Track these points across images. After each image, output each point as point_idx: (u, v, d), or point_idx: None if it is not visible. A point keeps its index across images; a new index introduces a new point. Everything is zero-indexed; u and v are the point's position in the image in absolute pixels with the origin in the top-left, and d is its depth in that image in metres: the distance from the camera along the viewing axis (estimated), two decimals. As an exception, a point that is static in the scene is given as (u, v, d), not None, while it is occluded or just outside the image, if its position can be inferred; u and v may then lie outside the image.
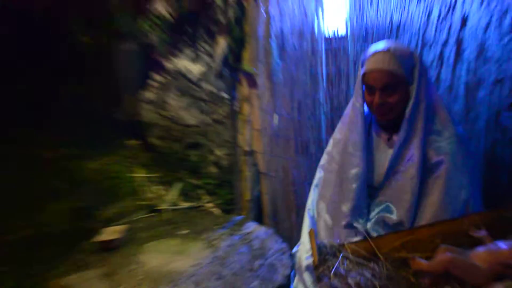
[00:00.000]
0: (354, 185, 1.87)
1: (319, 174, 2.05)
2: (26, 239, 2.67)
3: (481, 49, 2.16)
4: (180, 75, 3.02)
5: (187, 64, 2.99)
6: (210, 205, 2.92)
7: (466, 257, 1.35)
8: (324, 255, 1.53)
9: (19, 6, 3.20)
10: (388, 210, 1.82)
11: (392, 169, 1.81)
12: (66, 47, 3.40)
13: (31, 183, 3.12)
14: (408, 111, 1.75)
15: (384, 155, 1.88)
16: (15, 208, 2.89)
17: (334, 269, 1.45)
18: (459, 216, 1.68)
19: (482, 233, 1.48)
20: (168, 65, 3.04)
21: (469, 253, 1.36)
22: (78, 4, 3.34)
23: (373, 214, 1.86)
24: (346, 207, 1.87)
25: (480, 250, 1.36)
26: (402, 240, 1.56)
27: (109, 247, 2.16)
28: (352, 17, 2.55)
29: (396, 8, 2.47)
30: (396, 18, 2.48)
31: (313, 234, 1.61)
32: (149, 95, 3.14)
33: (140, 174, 3.16)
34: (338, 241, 1.69)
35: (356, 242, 1.62)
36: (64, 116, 3.69)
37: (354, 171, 1.87)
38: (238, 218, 2.60)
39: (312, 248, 1.56)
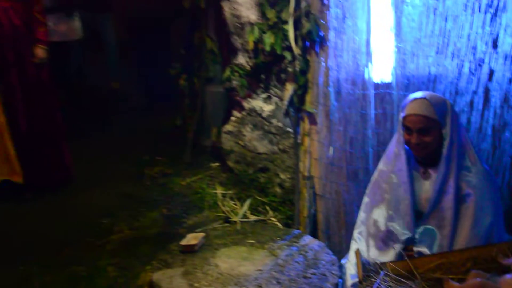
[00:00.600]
0: (397, 210, 1.84)
1: (366, 199, 2.02)
2: (128, 239, 2.73)
3: (506, 97, 2.29)
4: (255, 112, 3.02)
5: (260, 104, 3.00)
6: (273, 219, 2.88)
7: (495, 283, 1.23)
8: (367, 272, 1.49)
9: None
10: (432, 234, 1.78)
11: (436, 200, 1.78)
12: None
13: (136, 194, 3.21)
14: (445, 150, 1.76)
15: (420, 186, 1.86)
16: (122, 213, 2.96)
17: (376, 285, 1.39)
18: (487, 242, 1.62)
19: (510, 260, 1.36)
20: (245, 104, 3.05)
21: (498, 279, 1.25)
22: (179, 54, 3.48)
23: (419, 237, 1.81)
24: (388, 229, 1.85)
25: (509, 277, 1.24)
26: (437, 262, 1.50)
27: (190, 250, 2.15)
28: (396, 69, 2.50)
29: (434, 63, 2.42)
30: (433, 71, 2.43)
31: (358, 253, 1.58)
32: (229, 127, 3.16)
33: (219, 191, 3.16)
34: (380, 260, 1.63)
35: (396, 261, 1.56)
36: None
37: (397, 197, 1.85)
38: (296, 232, 2.54)
39: (357, 265, 1.51)
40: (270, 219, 2.88)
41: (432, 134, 1.76)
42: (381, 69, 2.59)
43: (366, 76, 2.56)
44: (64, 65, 3.71)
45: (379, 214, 1.91)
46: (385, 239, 1.86)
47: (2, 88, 2.95)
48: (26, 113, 3.05)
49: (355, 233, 2.01)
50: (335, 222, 2.73)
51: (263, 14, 2.82)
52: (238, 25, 2.96)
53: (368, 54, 2.53)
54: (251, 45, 2.85)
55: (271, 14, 2.77)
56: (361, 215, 2.01)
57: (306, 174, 2.81)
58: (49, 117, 3.18)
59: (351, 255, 1.95)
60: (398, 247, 1.80)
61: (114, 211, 2.98)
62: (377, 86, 2.60)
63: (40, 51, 3.05)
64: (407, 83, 2.50)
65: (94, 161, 3.72)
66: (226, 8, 2.98)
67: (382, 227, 1.88)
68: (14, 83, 2.99)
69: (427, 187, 1.83)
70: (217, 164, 3.42)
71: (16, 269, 2.43)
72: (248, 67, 2.97)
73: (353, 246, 1.99)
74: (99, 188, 3.30)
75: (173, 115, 3.76)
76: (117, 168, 3.61)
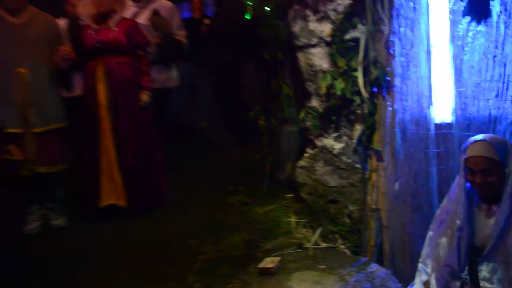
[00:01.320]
0: (458, 246, 1.85)
1: (430, 233, 2.05)
2: (213, 259, 2.92)
3: None
4: (326, 150, 3.18)
5: (331, 142, 3.16)
6: (343, 247, 2.99)
7: None
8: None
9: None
10: (495, 270, 1.78)
11: (499, 236, 1.76)
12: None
13: (220, 219, 3.49)
14: (508, 187, 1.76)
15: (483, 223, 1.86)
16: (207, 236, 3.23)
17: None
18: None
19: None
20: (318, 142, 3.23)
21: None
22: (258, 98, 3.77)
23: (482, 273, 1.81)
24: (450, 264, 1.87)
25: None
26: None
27: (267, 272, 2.27)
28: (457, 110, 2.59)
29: (494, 105, 2.50)
30: (493, 112, 2.50)
31: (428, 285, 1.64)
32: (303, 163, 3.32)
33: (293, 219, 3.31)
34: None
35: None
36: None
37: (458, 234, 1.86)
38: (364, 259, 2.62)
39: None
40: (339, 247, 2.97)
41: (495, 174, 1.77)
42: (443, 111, 2.71)
43: (429, 117, 2.70)
44: (163, 108, 4.13)
45: (442, 249, 1.92)
46: (447, 274, 1.86)
47: (114, 127, 3.41)
48: (132, 148, 3.45)
49: (420, 265, 2.03)
50: (400, 252, 2.80)
51: (334, 63, 3.03)
52: (312, 72, 3.16)
53: (431, 97, 2.68)
54: (323, 90, 3.06)
55: (341, 63, 2.99)
56: (426, 248, 2.03)
57: (373, 206, 2.95)
58: (150, 151, 3.57)
59: (417, 286, 1.97)
60: (457, 283, 1.82)
61: (201, 234, 3.21)
62: (439, 126, 2.69)
63: (145, 96, 3.49)
64: (468, 123, 2.57)
65: (185, 189, 4.04)
66: (301, 58, 3.21)
67: (444, 262, 1.89)
68: (124, 123, 3.42)
69: (490, 224, 1.81)
70: (291, 195, 3.58)
71: (116, 281, 2.68)
72: (320, 109, 3.16)
73: (418, 278, 2.01)
74: (189, 213, 3.59)
75: (253, 151, 4.02)
76: (204, 196, 3.89)
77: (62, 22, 3.96)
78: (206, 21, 5.36)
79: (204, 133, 5.61)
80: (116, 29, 3.40)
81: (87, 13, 3.47)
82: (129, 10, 3.95)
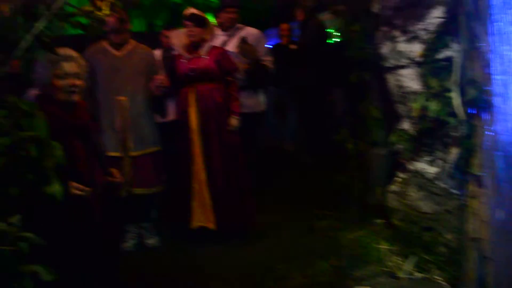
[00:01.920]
0: None
1: None
2: (301, 285, 2.91)
3: None
4: (419, 174, 3.04)
5: (424, 166, 3.01)
6: (439, 278, 2.83)
7: None
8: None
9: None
10: None
11: None
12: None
13: (308, 244, 3.44)
14: None
15: None
16: (295, 261, 3.20)
17: None
18: None
19: None
20: (410, 166, 3.10)
21: None
22: (346, 121, 3.73)
23: None
24: None
25: None
26: None
27: None
28: None
29: None
30: None
31: None
32: (394, 187, 3.21)
33: (383, 246, 3.18)
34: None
35: None
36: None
37: None
38: None
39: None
40: (435, 278, 2.83)
41: None
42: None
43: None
44: (251, 132, 4.21)
45: None
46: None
47: (204, 151, 3.52)
48: (221, 171, 3.54)
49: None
50: (507, 286, 2.60)
51: (426, 84, 2.91)
52: (402, 94, 3.06)
53: (536, 118, 2.49)
54: (416, 112, 2.94)
55: (434, 83, 2.86)
56: None
57: (473, 236, 2.75)
58: (239, 174, 3.63)
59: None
60: None
61: (287, 259, 3.19)
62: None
63: (234, 121, 3.60)
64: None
65: (272, 212, 4.07)
66: (391, 80, 3.12)
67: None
68: (214, 147, 3.53)
69: None
70: (381, 220, 3.46)
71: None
72: (412, 132, 3.04)
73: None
74: (276, 236, 3.59)
75: (341, 175, 3.98)
76: (290, 219, 3.91)
77: (157, 53, 4.23)
78: (293, 46, 5.44)
79: (291, 156, 5.63)
80: (207, 57, 3.53)
81: (179, 43, 3.66)
82: (219, 39, 4.11)
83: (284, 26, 6.03)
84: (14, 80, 4.11)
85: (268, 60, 4.30)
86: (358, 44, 3.40)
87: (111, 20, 3.41)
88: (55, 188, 1.58)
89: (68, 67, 2.28)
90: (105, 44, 3.52)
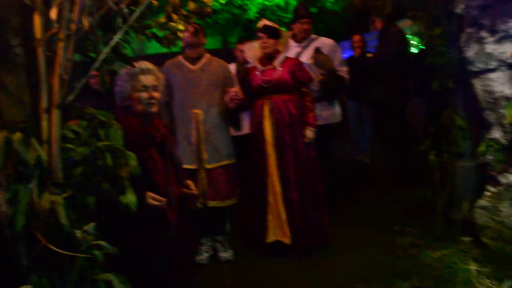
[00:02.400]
0: None
1: None
2: None
3: None
4: None
5: None
6: None
7: None
8: None
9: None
10: None
11: None
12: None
13: (387, 262, 3.24)
14: None
15: None
16: (373, 280, 3.00)
17: None
18: None
19: None
20: (501, 179, 2.87)
21: None
22: (428, 131, 3.49)
23: None
24: None
25: None
26: None
27: None
28: None
29: None
30: None
31: None
32: (483, 202, 2.98)
33: (473, 267, 2.92)
34: None
35: None
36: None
37: None
38: None
39: None
40: None
41: None
42: None
43: None
44: (326, 144, 4.09)
45: None
46: None
47: (279, 163, 3.44)
48: (296, 184, 3.43)
49: None
50: None
51: None
52: (491, 100, 2.87)
53: None
54: (509, 119, 2.72)
55: None
56: None
57: None
58: (314, 188, 3.51)
59: None
60: None
61: (367, 277, 3.01)
62: None
63: (310, 133, 3.47)
64: None
65: (348, 228, 3.91)
66: (478, 85, 2.93)
67: None
68: (289, 160, 3.43)
69: None
70: (469, 238, 3.21)
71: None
72: (503, 141, 2.82)
73: None
74: (352, 253, 3.41)
75: (422, 189, 3.74)
76: (368, 236, 3.70)
77: (232, 67, 4.26)
78: (369, 54, 5.28)
79: (367, 168, 5.41)
80: (281, 69, 3.48)
81: (253, 55, 3.65)
82: (292, 50, 4.07)
83: (357, 37, 5.88)
84: (93, 92, 4.32)
85: (343, 71, 4.20)
86: (440, 49, 3.17)
87: (186, 34, 3.48)
88: (130, 198, 1.58)
89: (146, 80, 2.32)
90: (181, 59, 3.59)
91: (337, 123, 4.35)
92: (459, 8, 2.87)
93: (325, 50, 4.09)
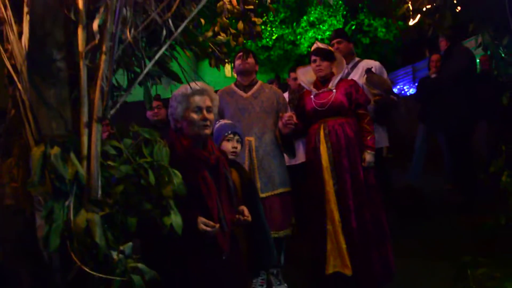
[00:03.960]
0: None
1: None
2: None
3: None
4: None
5: None
6: None
7: None
8: None
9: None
10: None
11: None
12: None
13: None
14: None
15: None
16: None
17: None
18: None
19: None
20: None
21: None
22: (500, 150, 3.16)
23: None
24: None
25: None
26: None
27: None
28: None
29: None
30: None
31: None
32: None
33: None
34: None
35: None
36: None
37: None
38: None
39: None
40: None
41: None
42: None
43: None
44: (380, 168, 3.81)
45: None
46: None
47: (337, 189, 3.18)
48: (356, 212, 3.15)
49: None
50: None
51: None
52: None
53: None
54: None
55: None
56: None
57: None
58: (376, 216, 3.22)
59: None
60: None
61: None
62: None
63: (368, 156, 3.22)
64: None
65: (414, 258, 3.58)
66: None
67: None
68: (348, 186, 3.17)
69: None
70: None
71: None
72: None
73: None
74: (421, 286, 3.11)
75: (495, 214, 3.35)
76: (435, 268, 3.36)
77: (285, 95, 4.14)
78: (434, 75, 5.01)
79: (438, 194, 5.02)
80: (335, 91, 3.30)
81: (307, 79, 3.51)
82: None
83: (435, 56, 5.57)
84: (152, 126, 4.31)
85: (393, 92, 3.99)
86: (509, 60, 2.87)
87: (238, 62, 3.42)
88: (175, 219, 1.42)
89: (201, 100, 2.22)
90: (233, 86, 3.54)
91: (388, 148, 4.08)
92: None
93: (373, 70, 3.90)
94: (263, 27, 14.16)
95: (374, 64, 4.03)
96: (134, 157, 1.45)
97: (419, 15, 3.66)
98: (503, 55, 2.93)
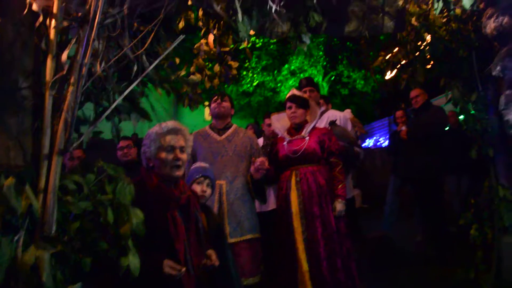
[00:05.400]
0: None
1: None
2: None
3: None
4: None
5: None
6: None
7: None
8: None
9: None
10: None
11: None
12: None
13: None
14: None
15: None
16: None
17: None
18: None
19: None
20: None
21: None
22: (468, 204, 3.19)
23: None
24: None
25: None
26: None
27: None
28: None
29: None
30: None
31: None
32: None
33: None
34: None
35: None
36: None
37: None
38: None
39: None
40: None
41: None
42: None
43: None
44: (354, 218, 3.80)
45: None
46: None
47: (306, 238, 3.14)
48: (328, 260, 3.12)
49: None
50: None
51: None
52: None
53: None
54: None
55: None
56: None
57: None
58: (345, 265, 3.18)
59: None
60: None
61: None
62: None
63: (339, 205, 3.22)
64: None
65: None
66: None
67: None
68: (318, 234, 3.15)
69: None
70: None
71: None
72: None
73: None
74: None
75: (463, 267, 3.34)
76: None
77: (260, 141, 4.14)
78: (404, 128, 5.13)
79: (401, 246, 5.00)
80: (308, 138, 3.33)
81: (281, 126, 3.54)
82: None
83: (399, 112, 5.76)
84: (122, 165, 4.22)
85: (358, 145, 4.02)
86: (478, 115, 2.97)
87: (214, 105, 3.42)
88: (131, 260, 1.36)
89: (174, 140, 2.19)
90: (207, 129, 3.51)
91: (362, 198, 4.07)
92: (496, 71, 2.69)
93: (337, 122, 3.94)
94: (244, 73, 14.38)
95: (339, 115, 4.09)
96: (95, 193, 1.40)
97: (395, 70, 3.80)
98: (472, 111, 3.02)
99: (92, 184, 1.44)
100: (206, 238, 2.41)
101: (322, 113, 4.12)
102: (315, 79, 14.73)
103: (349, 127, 4.10)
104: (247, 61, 13.55)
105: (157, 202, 2.05)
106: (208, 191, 2.77)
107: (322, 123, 4.00)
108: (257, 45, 13.48)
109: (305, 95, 3.55)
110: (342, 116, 4.12)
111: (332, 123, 3.86)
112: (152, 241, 1.84)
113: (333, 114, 4.12)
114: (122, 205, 1.39)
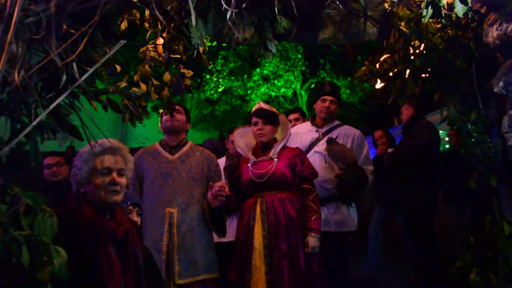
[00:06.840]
0: None
1: None
2: None
3: None
4: None
5: None
6: None
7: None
8: None
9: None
10: None
11: None
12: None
13: None
14: None
15: None
16: None
17: None
18: None
19: None
20: None
21: None
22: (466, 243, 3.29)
23: None
24: None
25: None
26: None
27: None
28: None
29: None
30: None
31: None
32: None
33: None
34: None
35: None
36: None
37: None
38: None
39: None
40: None
41: None
42: None
43: None
44: (338, 257, 3.83)
45: None
46: None
47: (270, 279, 3.16)
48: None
49: None
50: None
51: None
52: None
53: None
54: None
55: None
56: None
57: None
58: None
59: None
60: None
61: None
62: None
63: (312, 240, 3.26)
64: None
65: None
66: None
67: None
68: (285, 275, 3.16)
69: None
70: None
71: None
72: None
73: None
74: None
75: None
76: None
77: (221, 161, 4.14)
78: (390, 149, 5.26)
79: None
80: (277, 160, 3.38)
81: (245, 144, 3.56)
82: (308, 136, 4.01)
83: (378, 133, 5.85)
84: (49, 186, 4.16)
85: (368, 169, 3.95)
86: (478, 138, 3.05)
87: (166, 118, 3.41)
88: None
89: (111, 161, 2.20)
90: (157, 146, 3.49)
91: (353, 232, 4.06)
92: (498, 87, 2.75)
93: (348, 141, 3.95)
94: (208, 76, 14.33)
95: (352, 133, 4.04)
96: (7, 228, 1.40)
97: (383, 80, 3.88)
98: (474, 134, 3.08)
99: (3, 216, 1.44)
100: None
101: (335, 127, 4.08)
102: (293, 86, 14.80)
103: (363, 149, 4.06)
104: (211, 62, 13.58)
105: (89, 236, 2.05)
106: (139, 221, 2.77)
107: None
108: (223, 44, 13.57)
109: (274, 109, 3.58)
110: (358, 134, 4.07)
111: (331, 140, 3.84)
112: (81, 283, 1.84)
113: (345, 130, 4.06)
114: (41, 242, 1.39)
